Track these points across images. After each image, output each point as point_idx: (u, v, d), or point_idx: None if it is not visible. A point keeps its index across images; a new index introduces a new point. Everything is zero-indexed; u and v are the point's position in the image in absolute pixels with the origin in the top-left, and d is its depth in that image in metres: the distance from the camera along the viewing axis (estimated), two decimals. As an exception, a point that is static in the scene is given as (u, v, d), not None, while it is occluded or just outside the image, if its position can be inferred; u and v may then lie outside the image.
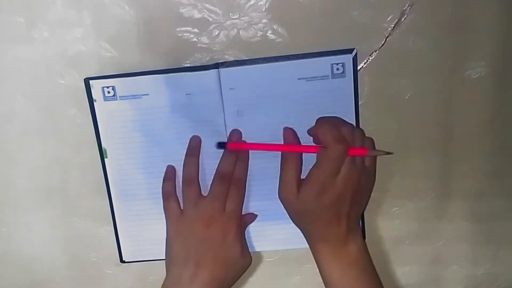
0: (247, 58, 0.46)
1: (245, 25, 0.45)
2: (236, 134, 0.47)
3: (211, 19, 0.45)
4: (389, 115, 0.48)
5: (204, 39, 0.45)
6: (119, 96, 0.47)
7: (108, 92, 0.46)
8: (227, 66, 0.45)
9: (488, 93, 0.47)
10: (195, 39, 0.45)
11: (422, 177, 0.50)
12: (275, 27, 0.45)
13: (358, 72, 0.46)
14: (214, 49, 0.46)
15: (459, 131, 0.49)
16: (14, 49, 0.46)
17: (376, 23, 0.45)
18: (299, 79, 0.46)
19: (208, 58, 0.46)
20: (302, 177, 0.43)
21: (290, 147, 0.44)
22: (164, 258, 0.46)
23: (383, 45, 0.45)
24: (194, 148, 0.47)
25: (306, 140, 0.45)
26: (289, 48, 0.45)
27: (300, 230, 0.45)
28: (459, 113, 0.48)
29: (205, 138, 0.48)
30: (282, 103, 0.46)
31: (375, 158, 0.44)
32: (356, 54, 0.45)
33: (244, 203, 0.47)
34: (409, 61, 0.46)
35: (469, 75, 0.47)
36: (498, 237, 0.54)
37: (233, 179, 0.46)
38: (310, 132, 0.44)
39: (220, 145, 0.46)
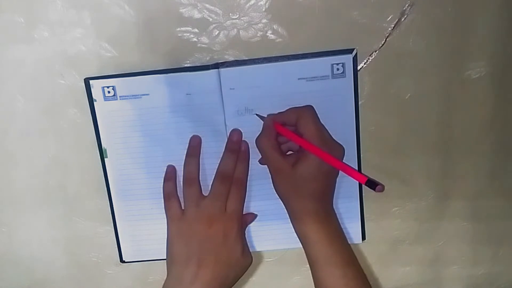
0: (247, 58, 0.46)
1: (245, 25, 0.45)
2: (236, 133, 0.47)
3: (211, 19, 0.45)
4: (389, 115, 0.48)
5: (204, 39, 0.45)
6: (119, 96, 0.47)
7: (108, 92, 0.46)
8: (227, 66, 0.45)
9: (488, 93, 0.47)
10: (195, 39, 0.45)
11: (422, 177, 0.50)
12: (275, 27, 0.45)
13: (358, 72, 0.46)
14: (214, 49, 0.46)
15: (459, 131, 0.49)
16: (14, 49, 0.46)
17: (376, 23, 0.45)
18: (299, 79, 0.46)
19: (208, 58, 0.46)
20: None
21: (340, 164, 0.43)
22: (164, 258, 0.46)
23: (383, 45, 0.45)
24: (194, 148, 0.47)
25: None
26: (289, 48, 0.45)
27: (286, 206, 0.46)
28: (459, 113, 0.48)
29: (205, 138, 0.48)
30: (282, 103, 0.46)
31: None
32: (356, 54, 0.45)
33: (244, 203, 0.47)
34: (409, 61, 0.46)
35: (469, 75, 0.47)
36: (498, 237, 0.54)
37: (234, 179, 0.46)
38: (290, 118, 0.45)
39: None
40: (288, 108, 0.45)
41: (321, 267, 0.43)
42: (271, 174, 0.45)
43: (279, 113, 0.46)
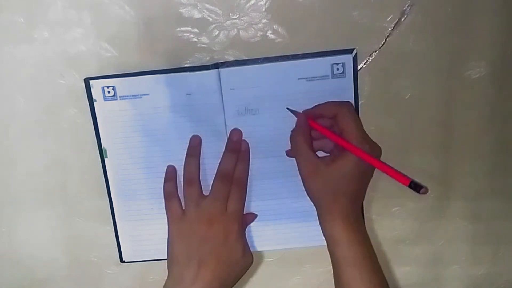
0: (247, 58, 0.46)
1: (245, 25, 0.45)
2: (236, 133, 0.47)
3: (211, 19, 0.45)
4: (389, 115, 0.48)
5: (204, 39, 0.45)
6: (119, 96, 0.47)
7: (108, 92, 0.46)
8: (227, 66, 0.45)
9: (488, 93, 0.47)
10: (195, 39, 0.45)
11: (422, 177, 0.50)
12: (275, 27, 0.45)
13: (358, 72, 0.46)
14: (214, 49, 0.46)
15: (459, 131, 0.49)
16: (14, 49, 0.46)
17: (376, 23, 0.45)
18: (299, 79, 0.46)
19: (208, 58, 0.46)
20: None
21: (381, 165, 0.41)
22: (164, 258, 0.46)
23: (383, 45, 0.45)
24: (194, 148, 0.47)
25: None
26: (289, 48, 0.45)
27: (318, 205, 0.44)
28: (459, 113, 0.48)
29: (205, 138, 0.48)
30: (282, 103, 0.46)
31: None
32: (356, 54, 0.45)
33: (245, 203, 0.47)
34: (409, 61, 0.46)
35: (469, 75, 0.47)
36: (498, 237, 0.54)
37: (234, 179, 0.46)
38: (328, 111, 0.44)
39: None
40: (326, 102, 0.45)
41: (348, 269, 0.42)
42: (301, 172, 0.44)
43: (315, 106, 0.45)
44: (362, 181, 0.44)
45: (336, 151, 0.44)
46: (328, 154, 0.46)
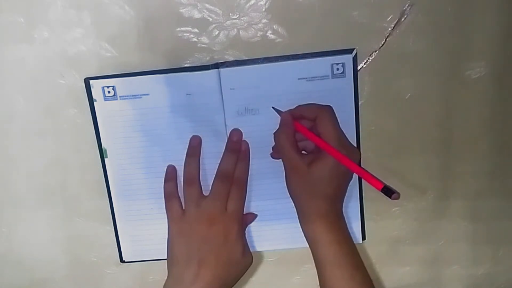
0: (247, 58, 0.46)
1: (245, 25, 0.45)
2: (236, 133, 0.47)
3: (211, 19, 0.45)
4: (389, 115, 0.48)
5: (204, 39, 0.45)
6: (119, 96, 0.47)
7: (109, 92, 0.46)
8: (227, 66, 0.45)
9: (488, 93, 0.47)
10: (195, 39, 0.45)
11: (422, 177, 0.50)
12: (275, 27, 0.45)
13: (358, 72, 0.46)
14: (214, 49, 0.46)
15: (459, 131, 0.49)
16: (14, 49, 0.46)
17: (376, 23, 0.45)
18: (299, 79, 0.46)
19: (208, 58, 0.46)
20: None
21: (359, 169, 0.43)
22: (164, 258, 0.46)
23: (383, 45, 0.45)
24: (194, 148, 0.47)
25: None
26: (289, 48, 0.45)
27: (297, 206, 0.45)
28: (459, 113, 0.48)
29: (205, 138, 0.48)
30: (282, 103, 0.46)
31: None
32: (356, 54, 0.45)
33: (244, 203, 0.47)
34: (409, 61, 0.46)
35: (469, 75, 0.47)
36: (498, 237, 0.54)
37: (234, 179, 0.46)
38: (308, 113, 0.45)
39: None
40: (308, 103, 0.45)
41: (329, 269, 0.43)
42: (286, 171, 0.45)
43: (298, 106, 0.45)
44: (340, 183, 0.44)
45: (317, 151, 0.44)
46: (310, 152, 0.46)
